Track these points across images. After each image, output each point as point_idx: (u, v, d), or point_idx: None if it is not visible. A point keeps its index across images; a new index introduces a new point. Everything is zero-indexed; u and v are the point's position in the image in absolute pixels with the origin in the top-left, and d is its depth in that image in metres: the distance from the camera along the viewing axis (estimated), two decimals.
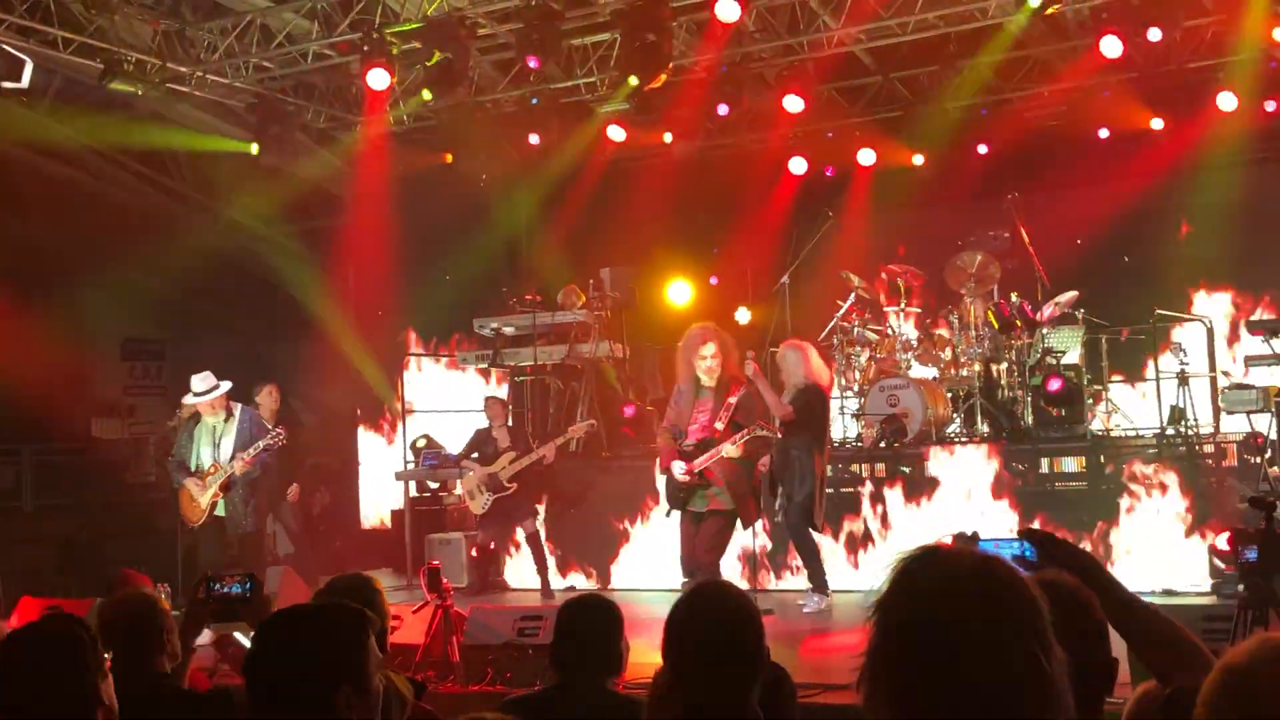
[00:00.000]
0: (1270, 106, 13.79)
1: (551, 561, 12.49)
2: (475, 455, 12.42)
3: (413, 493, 14.11)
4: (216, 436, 11.05)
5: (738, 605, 3.55)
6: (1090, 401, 12.54)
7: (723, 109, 14.45)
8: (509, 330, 14.51)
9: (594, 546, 12.80)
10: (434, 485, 14.24)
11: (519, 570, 12.87)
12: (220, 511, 10.98)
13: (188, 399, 11.20)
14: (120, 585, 6.89)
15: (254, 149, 14.52)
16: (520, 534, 12.62)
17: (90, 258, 14.86)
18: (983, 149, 15.26)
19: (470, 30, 12.82)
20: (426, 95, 13.35)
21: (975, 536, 2.86)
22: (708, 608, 3.53)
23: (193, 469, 11.02)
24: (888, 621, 1.93)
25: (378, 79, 12.81)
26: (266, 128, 14.34)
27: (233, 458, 10.91)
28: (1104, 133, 14.89)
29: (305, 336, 15.13)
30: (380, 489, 15.64)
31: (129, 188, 16.03)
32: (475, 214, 15.95)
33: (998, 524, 10.83)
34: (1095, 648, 2.80)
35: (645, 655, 4.76)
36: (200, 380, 11.07)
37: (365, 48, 12.75)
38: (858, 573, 11.44)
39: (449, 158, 16.00)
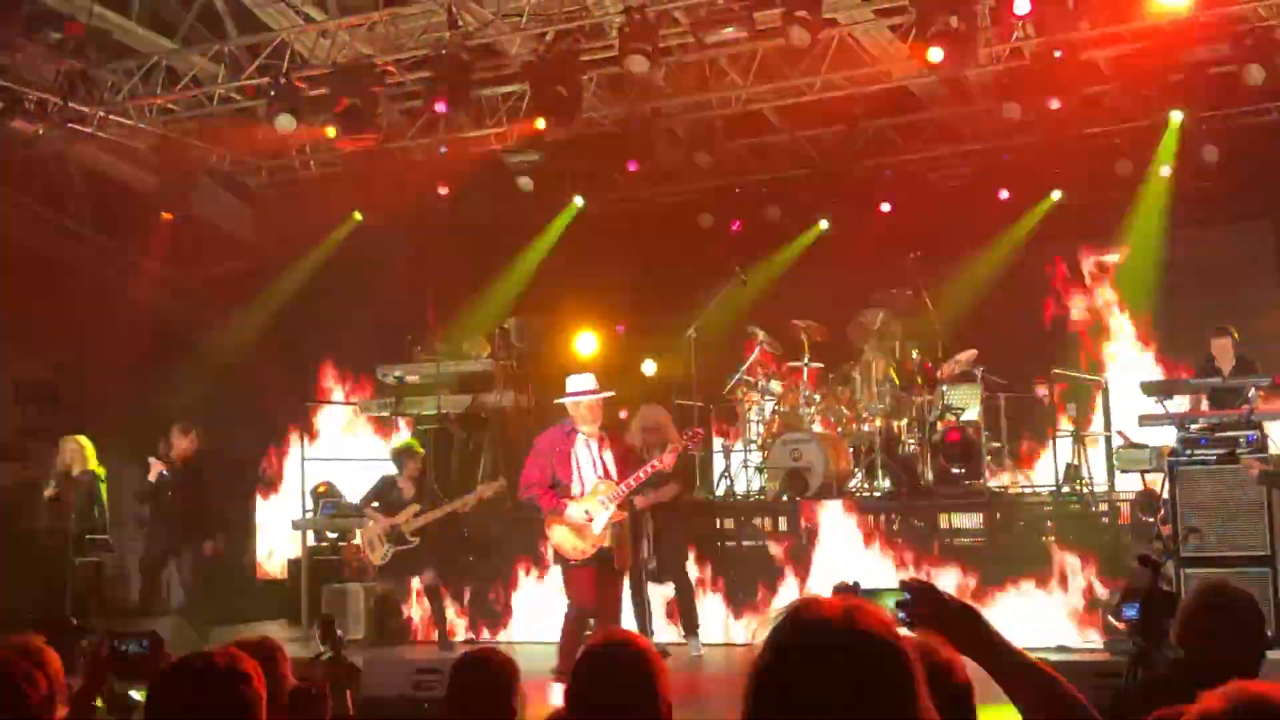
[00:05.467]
0: (1165, 171, 14.15)
1: (452, 613, 12.37)
2: (377, 504, 12.16)
3: (311, 541, 13.87)
4: (594, 451, 9.79)
5: (640, 657, 3.59)
6: (989, 459, 12.70)
7: (631, 166, 14.54)
8: (413, 378, 14.38)
9: (494, 598, 12.69)
10: (333, 535, 14.00)
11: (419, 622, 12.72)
12: (609, 540, 9.67)
13: (566, 400, 9.86)
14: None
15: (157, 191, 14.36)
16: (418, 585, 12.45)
17: None
18: (886, 207, 15.50)
19: (379, 78, 12.79)
20: (331, 133, 13.21)
21: (856, 586, 2.85)
22: (612, 657, 3.59)
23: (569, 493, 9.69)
24: (760, 680, 1.94)
25: (285, 123, 12.72)
26: (170, 170, 14.17)
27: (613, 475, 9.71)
28: (1004, 194, 15.18)
29: (203, 380, 14.87)
30: (277, 536, 15.38)
31: (26, 228, 15.69)
32: (381, 261, 15.83)
33: (894, 580, 10.90)
34: (963, 711, 2.80)
35: (540, 709, 4.72)
36: (581, 380, 9.96)
37: (272, 92, 12.66)
38: (748, 626, 11.49)
39: (358, 216, 15.87)
